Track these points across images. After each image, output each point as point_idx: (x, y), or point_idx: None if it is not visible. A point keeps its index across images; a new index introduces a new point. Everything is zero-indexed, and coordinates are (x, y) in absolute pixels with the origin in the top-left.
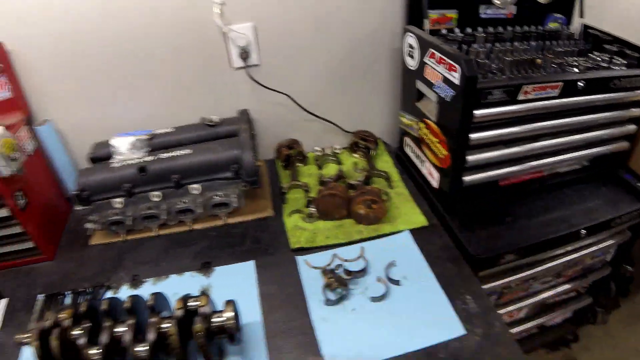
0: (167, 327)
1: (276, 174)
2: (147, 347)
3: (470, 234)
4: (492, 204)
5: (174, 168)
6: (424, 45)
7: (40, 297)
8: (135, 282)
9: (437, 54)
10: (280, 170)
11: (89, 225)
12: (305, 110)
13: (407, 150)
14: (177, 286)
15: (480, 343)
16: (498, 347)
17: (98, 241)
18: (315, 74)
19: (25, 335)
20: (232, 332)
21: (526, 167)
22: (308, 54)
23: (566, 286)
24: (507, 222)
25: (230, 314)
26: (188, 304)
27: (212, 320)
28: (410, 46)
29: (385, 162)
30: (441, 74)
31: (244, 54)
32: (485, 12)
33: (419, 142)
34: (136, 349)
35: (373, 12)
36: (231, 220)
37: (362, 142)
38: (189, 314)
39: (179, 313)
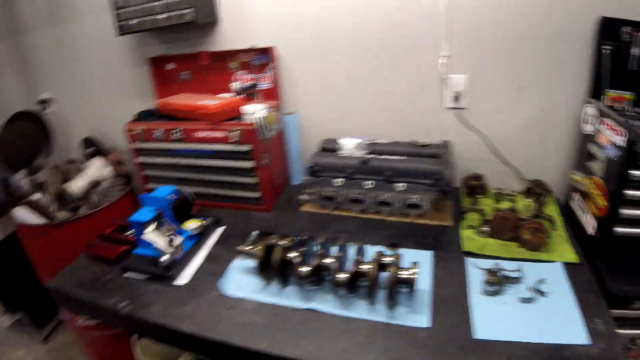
0: (366, 267)
1: (458, 199)
2: (347, 276)
3: (612, 275)
4: (637, 260)
5: (388, 167)
6: (601, 115)
7: (255, 233)
8: (333, 241)
9: (611, 122)
10: (463, 196)
11: (303, 197)
12: (495, 153)
13: (572, 204)
14: (369, 253)
15: (599, 355)
16: None
17: (308, 209)
18: (508, 126)
19: (248, 248)
20: (412, 284)
21: None
22: (508, 109)
23: None
24: None
25: (415, 270)
26: (384, 258)
27: (399, 271)
28: (589, 115)
29: (552, 210)
30: (611, 139)
31: (457, 98)
32: None
33: (584, 195)
34: (338, 275)
35: (562, 85)
36: (417, 221)
37: (536, 189)
38: (382, 265)
39: (377, 258)
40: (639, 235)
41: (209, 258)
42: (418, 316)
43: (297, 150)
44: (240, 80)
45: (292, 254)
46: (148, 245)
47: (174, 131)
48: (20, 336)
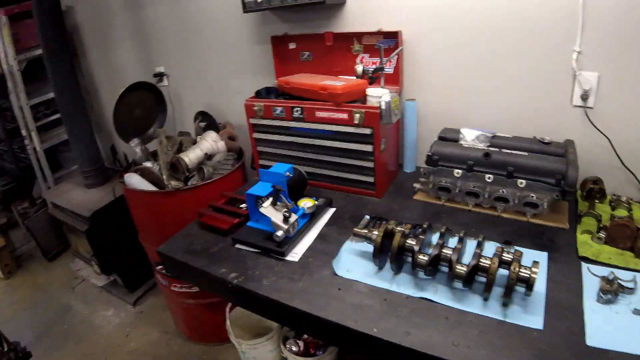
0: (487, 262)
1: (576, 201)
2: (466, 269)
3: None
4: None
5: (511, 161)
6: None
7: (367, 216)
8: (451, 232)
9: None
10: (580, 200)
11: (417, 185)
12: (619, 157)
13: None
14: (488, 248)
15: None
16: None
17: (420, 198)
18: (635, 130)
19: (364, 231)
20: (532, 284)
21: None
22: (636, 111)
23: None
24: None
25: (536, 269)
26: (504, 254)
27: (521, 269)
28: None
29: None
30: None
31: (585, 96)
32: None
33: None
34: (457, 267)
35: None
36: (533, 220)
37: None
38: (502, 261)
39: (498, 253)
40: None
41: (320, 237)
42: (532, 317)
43: (413, 138)
44: (364, 62)
45: (411, 241)
46: (262, 219)
47: (295, 109)
48: (112, 297)
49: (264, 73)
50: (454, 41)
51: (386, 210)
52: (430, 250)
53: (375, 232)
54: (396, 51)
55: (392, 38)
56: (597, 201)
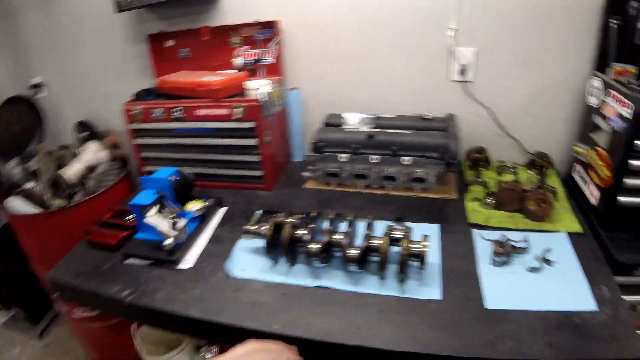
0: (377, 242)
1: (462, 172)
2: (358, 251)
3: (615, 243)
4: (638, 229)
5: (394, 141)
6: (607, 87)
7: (259, 212)
8: (342, 217)
9: (617, 94)
10: (466, 170)
11: (306, 174)
12: (498, 126)
13: (575, 175)
14: (376, 227)
15: (606, 320)
16: (620, 327)
17: (311, 186)
18: (512, 99)
19: (254, 227)
20: (424, 257)
21: None
22: (512, 82)
23: None
24: None
25: (427, 242)
26: (394, 232)
27: (410, 244)
28: (594, 87)
29: (554, 182)
30: (617, 110)
31: (463, 72)
32: None
33: (586, 167)
34: (349, 251)
35: (568, 58)
36: (422, 195)
37: (539, 161)
38: (392, 239)
39: (387, 232)
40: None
41: (213, 240)
42: (429, 289)
43: (299, 127)
44: (243, 55)
45: (301, 231)
46: (150, 229)
47: (174, 110)
48: (15, 333)
49: (144, 74)
50: (332, 26)
51: (278, 202)
52: (322, 238)
53: (266, 227)
54: (274, 41)
55: (270, 28)
56: (482, 169)
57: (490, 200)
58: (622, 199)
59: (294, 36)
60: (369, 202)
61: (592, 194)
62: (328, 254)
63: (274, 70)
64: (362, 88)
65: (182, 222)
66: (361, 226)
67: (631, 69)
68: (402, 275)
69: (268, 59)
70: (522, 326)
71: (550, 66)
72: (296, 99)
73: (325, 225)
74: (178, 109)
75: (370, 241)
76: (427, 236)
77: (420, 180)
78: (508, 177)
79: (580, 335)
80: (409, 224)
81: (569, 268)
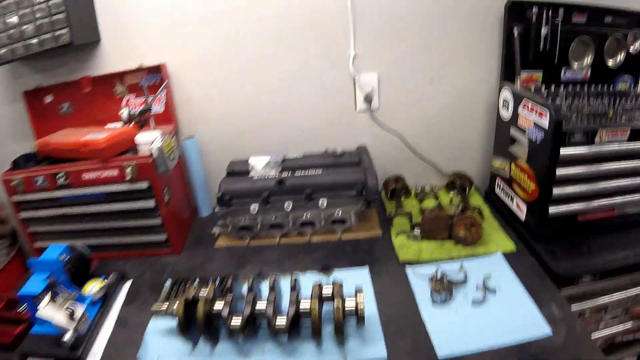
0: (306, 306)
1: (382, 203)
2: (285, 321)
3: (553, 256)
4: (571, 237)
5: (307, 183)
6: (518, 98)
7: (168, 282)
8: (262, 276)
9: (530, 104)
10: (386, 201)
11: (217, 229)
12: (412, 151)
13: (497, 191)
14: (301, 282)
15: (564, 342)
16: (579, 346)
17: (223, 244)
18: (422, 121)
19: (164, 307)
20: (362, 314)
21: (600, 204)
22: (420, 103)
23: (631, 324)
24: (584, 252)
25: (361, 298)
26: (323, 289)
27: (345, 303)
28: (505, 100)
29: (476, 200)
30: (532, 120)
31: (368, 99)
32: (564, 74)
33: (509, 181)
34: (276, 322)
35: (474, 71)
36: (345, 237)
37: (458, 180)
38: (323, 299)
39: (316, 291)
40: (572, 212)
41: (119, 324)
42: (373, 347)
43: (201, 178)
44: (130, 105)
45: (219, 304)
46: (47, 321)
47: (58, 176)
48: None
49: (26, 136)
50: (224, 64)
51: (188, 267)
52: (243, 309)
53: (175, 305)
54: (162, 86)
55: (156, 73)
56: (403, 198)
57: (417, 232)
58: (553, 209)
59: (184, 79)
60: (289, 253)
61: (520, 209)
62: (253, 326)
63: (166, 118)
64: (265, 128)
65: (80, 310)
66: (286, 286)
67: (536, 74)
68: (340, 337)
69: (158, 107)
70: None
71: (459, 81)
72: (193, 148)
73: (244, 290)
74: (61, 174)
75: (298, 306)
76: (360, 291)
77: (340, 221)
78: (430, 203)
79: None
80: (336, 272)
81: (513, 292)
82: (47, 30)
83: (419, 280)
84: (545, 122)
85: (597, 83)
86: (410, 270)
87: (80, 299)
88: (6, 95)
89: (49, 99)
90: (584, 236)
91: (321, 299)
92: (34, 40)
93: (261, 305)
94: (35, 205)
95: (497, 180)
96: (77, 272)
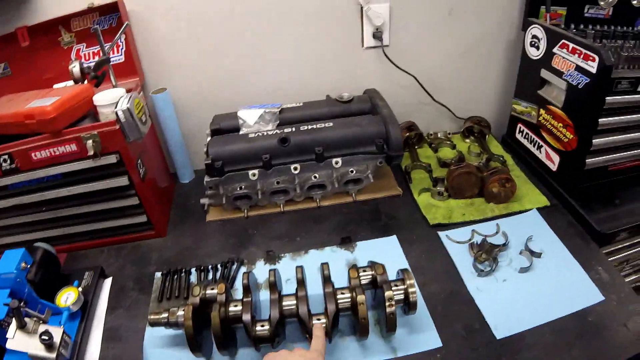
0: (345, 300)
1: None
2: (326, 321)
3: (591, 212)
4: (602, 189)
5: (317, 140)
6: (555, 37)
7: (159, 275)
8: (271, 257)
9: (572, 45)
10: None
11: (205, 201)
12: (427, 93)
13: (518, 136)
14: (320, 261)
15: (617, 308)
16: (631, 309)
17: (215, 217)
18: (437, 60)
19: (163, 315)
20: (413, 301)
21: (634, 154)
22: (437, 39)
23: None
24: (615, 204)
25: (411, 281)
26: (361, 274)
27: (393, 288)
28: (535, 37)
29: (495, 147)
30: (574, 62)
31: (378, 34)
32: (587, 11)
33: (536, 128)
34: (314, 322)
35: (496, 4)
36: (360, 197)
37: (477, 127)
38: (365, 285)
39: (356, 282)
40: (607, 162)
41: (109, 337)
42: (424, 336)
43: (178, 139)
44: (84, 57)
45: (235, 308)
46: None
47: (1, 159)
48: None
49: None
50: (207, 5)
51: (177, 252)
52: (270, 312)
53: (181, 314)
54: (122, 30)
55: (111, 13)
56: (416, 147)
57: (442, 188)
58: (590, 160)
59: (150, 17)
60: (297, 223)
61: (550, 159)
62: (282, 330)
63: (128, 70)
64: (252, 72)
65: (57, 332)
66: (312, 272)
67: (561, 10)
68: (391, 333)
69: (116, 56)
70: (542, 348)
71: (479, 13)
72: (166, 103)
73: (256, 278)
74: (4, 157)
75: (339, 306)
76: (406, 270)
77: (355, 181)
78: (448, 152)
79: (602, 337)
80: (360, 244)
81: (558, 255)
82: None
83: (456, 246)
84: (592, 67)
85: (617, 23)
86: (444, 235)
87: (55, 314)
88: None
89: None
90: (614, 187)
91: (363, 287)
92: None
93: (289, 303)
94: None
95: (518, 125)
96: (45, 279)
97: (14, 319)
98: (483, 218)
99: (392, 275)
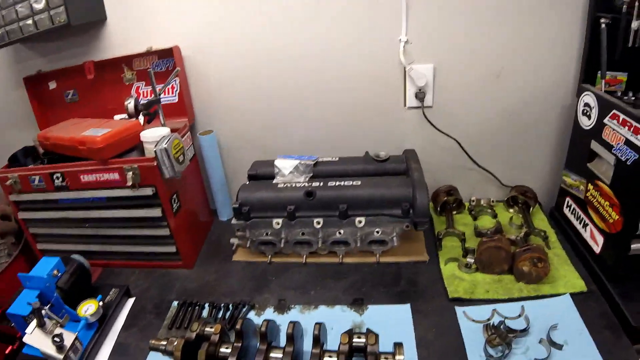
0: None
1: (430, 219)
2: None
3: (631, 303)
4: None
5: (342, 197)
6: (606, 106)
7: (175, 304)
8: (282, 307)
9: (622, 116)
10: (434, 216)
11: (234, 241)
12: (470, 157)
13: (566, 212)
14: (327, 318)
15: None
16: None
17: (241, 258)
18: (482, 123)
19: (162, 342)
20: None
21: None
22: (480, 102)
23: None
24: None
25: (401, 357)
26: (354, 340)
27: None
28: (587, 105)
29: (540, 221)
30: (624, 136)
31: (421, 95)
32: None
33: (584, 204)
34: None
35: (548, 67)
36: (384, 259)
37: (522, 197)
38: (353, 350)
39: (344, 348)
40: None
41: (117, 351)
42: None
43: (220, 178)
44: (140, 95)
45: (225, 349)
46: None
47: (55, 176)
48: None
49: (28, 126)
50: (251, 48)
51: (199, 285)
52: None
53: (176, 344)
54: (173, 73)
55: (167, 57)
56: (454, 212)
57: (471, 260)
58: (636, 245)
59: (202, 64)
60: (316, 277)
61: (594, 240)
62: None
63: (179, 110)
64: (295, 124)
65: (69, 339)
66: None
67: (621, 76)
68: None
69: (169, 97)
70: None
71: (530, 77)
72: (212, 144)
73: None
74: (59, 175)
75: None
76: (400, 345)
77: (380, 242)
78: (487, 222)
79: None
80: (371, 308)
81: (582, 349)
82: (42, 10)
83: (470, 325)
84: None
85: None
86: (460, 312)
87: (73, 322)
88: (9, 81)
89: (52, 85)
90: None
91: (351, 353)
92: (29, 21)
93: (276, 356)
94: (33, 206)
95: (566, 199)
96: (74, 288)
97: (33, 321)
98: (508, 298)
99: (391, 344)
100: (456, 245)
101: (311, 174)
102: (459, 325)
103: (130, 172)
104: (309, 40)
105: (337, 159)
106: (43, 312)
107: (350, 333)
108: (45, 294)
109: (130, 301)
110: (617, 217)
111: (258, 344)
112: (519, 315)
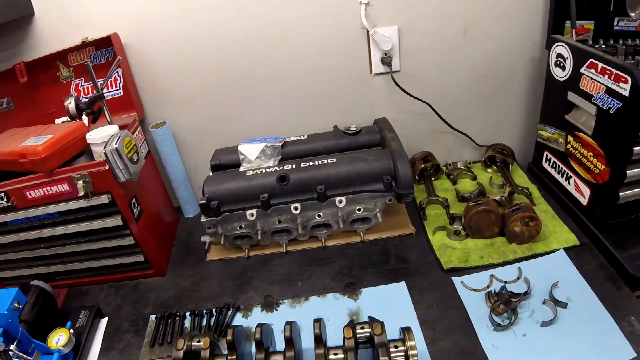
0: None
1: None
2: None
3: (626, 252)
4: (637, 223)
5: (318, 178)
6: (582, 55)
7: (153, 318)
8: (269, 304)
9: (600, 64)
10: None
11: (206, 239)
12: (444, 120)
13: (546, 166)
14: (320, 309)
15: None
16: None
17: (216, 256)
18: (453, 84)
19: None
20: None
21: None
22: (449, 62)
23: None
24: None
25: (412, 342)
26: (358, 331)
27: (391, 350)
28: (560, 56)
29: (520, 177)
30: (604, 84)
31: (387, 59)
32: (617, 24)
33: (564, 156)
34: None
35: (515, 19)
36: (369, 237)
37: (499, 156)
38: (358, 344)
39: (350, 343)
40: None
41: None
42: None
43: (180, 173)
44: (83, 92)
45: None
46: None
47: None
48: None
49: None
50: (197, 25)
51: (176, 293)
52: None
53: None
54: (115, 63)
55: (106, 47)
56: (433, 179)
57: (459, 227)
58: (624, 193)
59: (144, 52)
60: (301, 265)
61: (580, 191)
62: None
63: (126, 104)
64: (255, 104)
65: None
66: (310, 314)
67: (588, 25)
68: None
69: (115, 91)
70: None
71: (497, 31)
72: (167, 137)
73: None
74: (1, 195)
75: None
76: (408, 329)
77: (363, 219)
78: (467, 184)
79: None
80: (365, 291)
81: (586, 304)
82: None
83: (471, 295)
84: (624, 89)
85: None
86: (458, 282)
87: (46, 353)
88: None
89: None
90: None
91: (357, 348)
92: None
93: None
94: None
95: (544, 153)
96: (40, 318)
97: None
98: (504, 261)
99: (395, 328)
100: (441, 213)
101: (280, 157)
102: (460, 296)
103: (81, 181)
104: (261, 11)
105: (305, 137)
106: (10, 352)
107: (352, 325)
108: (9, 331)
109: (104, 322)
110: (603, 167)
111: (253, 351)
112: (518, 278)
